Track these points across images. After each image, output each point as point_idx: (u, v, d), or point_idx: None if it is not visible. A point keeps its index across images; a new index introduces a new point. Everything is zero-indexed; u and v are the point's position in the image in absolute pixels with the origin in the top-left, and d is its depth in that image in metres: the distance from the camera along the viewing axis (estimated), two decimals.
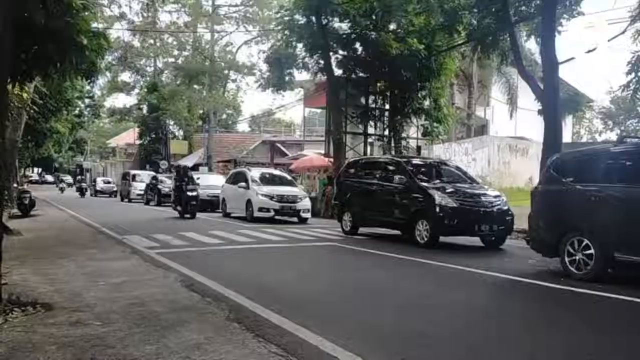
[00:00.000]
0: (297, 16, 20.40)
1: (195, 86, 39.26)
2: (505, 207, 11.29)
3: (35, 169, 76.27)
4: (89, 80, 11.27)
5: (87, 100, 49.27)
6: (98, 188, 42.23)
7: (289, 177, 20.89)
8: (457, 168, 13.81)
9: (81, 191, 39.84)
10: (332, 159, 21.52)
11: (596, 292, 6.57)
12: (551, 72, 13.58)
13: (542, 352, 4.39)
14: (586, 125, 51.83)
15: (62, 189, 45.85)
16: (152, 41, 37.36)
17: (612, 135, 43.36)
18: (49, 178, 73.32)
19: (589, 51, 14.23)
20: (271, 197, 17.03)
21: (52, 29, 7.34)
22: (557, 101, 13.71)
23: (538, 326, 5.18)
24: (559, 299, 6.58)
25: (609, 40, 14.17)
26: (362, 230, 13.61)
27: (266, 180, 18.67)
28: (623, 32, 13.94)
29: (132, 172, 36.97)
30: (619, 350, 4.56)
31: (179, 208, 18.85)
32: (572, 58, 13.93)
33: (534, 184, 19.71)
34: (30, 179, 65.99)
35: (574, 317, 5.71)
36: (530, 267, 8.65)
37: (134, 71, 44.30)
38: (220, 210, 20.36)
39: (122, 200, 34.37)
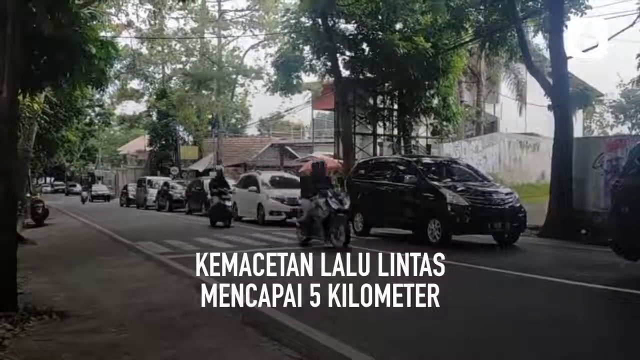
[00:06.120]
0: (303, 19, 20.46)
1: (204, 91, 39.35)
2: (518, 204, 11.21)
3: (49, 179, 75.22)
4: (98, 89, 11.33)
5: (97, 109, 49.39)
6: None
7: (300, 180, 20.84)
8: (468, 166, 13.73)
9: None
10: (341, 161, 21.49)
11: None
12: (560, 66, 13.48)
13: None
14: (597, 120, 51.33)
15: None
16: (160, 48, 37.52)
17: (624, 129, 42.91)
18: (77, 187, 58.57)
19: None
20: (282, 200, 16.98)
21: (60, 39, 7.40)
22: (566, 96, 13.61)
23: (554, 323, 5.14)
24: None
25: (617, 33, 13.98)
26: (374, 230, 13.56)
27: (277, 183, 18.60)
28: (632, 25, 13.81)
29: (147, 177, 34.58)
30: None
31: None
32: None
33: (546, 180, 19.65)
34: (56, 188, 65.17)
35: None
36: (541, 262, 8.58)
37: (143, 78, 44.52)
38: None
39: (138, 207, 31.33)
